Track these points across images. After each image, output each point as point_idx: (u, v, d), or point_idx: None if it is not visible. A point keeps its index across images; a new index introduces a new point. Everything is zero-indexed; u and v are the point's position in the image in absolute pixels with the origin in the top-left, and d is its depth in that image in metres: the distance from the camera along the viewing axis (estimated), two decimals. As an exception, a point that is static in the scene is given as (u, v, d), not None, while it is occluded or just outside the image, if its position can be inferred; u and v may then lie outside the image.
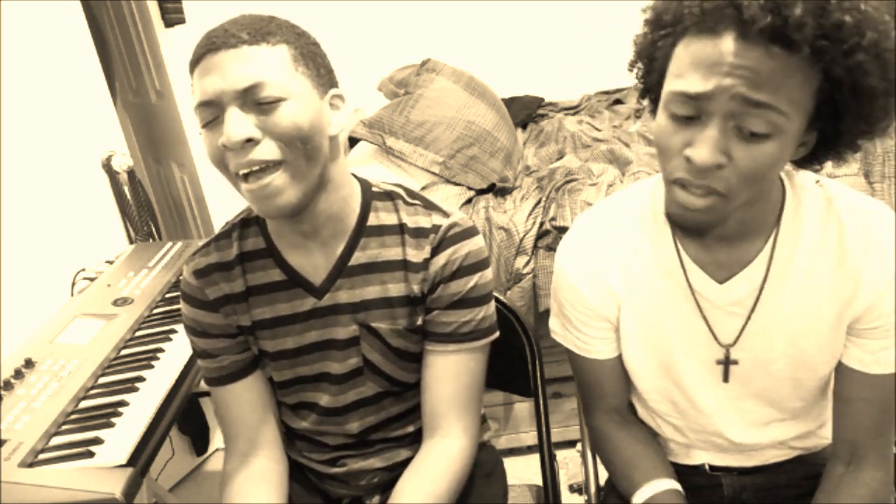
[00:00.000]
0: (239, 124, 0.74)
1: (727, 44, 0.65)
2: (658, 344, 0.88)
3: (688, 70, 0.68)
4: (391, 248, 0.88)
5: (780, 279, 0.81)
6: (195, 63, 0.76)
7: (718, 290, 0.83)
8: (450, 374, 0.90)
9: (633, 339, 0.90)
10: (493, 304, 0.92)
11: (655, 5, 0.75)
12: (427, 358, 0.91)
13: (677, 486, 0.90)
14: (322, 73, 0.81)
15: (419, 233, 0.87)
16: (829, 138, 0.72)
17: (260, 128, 0.75)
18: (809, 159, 0.76)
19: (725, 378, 0.87)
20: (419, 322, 0.89)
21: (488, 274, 0.90)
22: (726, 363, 0.86)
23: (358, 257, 0.88)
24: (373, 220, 0.88)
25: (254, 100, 0.74)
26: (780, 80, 0.64)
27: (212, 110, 0.75)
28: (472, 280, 0.87)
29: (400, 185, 0.93)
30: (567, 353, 0.97)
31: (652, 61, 0.76)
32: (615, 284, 0.88)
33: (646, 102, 0.82)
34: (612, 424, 0.97)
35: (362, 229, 0.88)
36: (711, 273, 0.83)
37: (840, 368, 0.85)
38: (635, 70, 0.80)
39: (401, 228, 0.88)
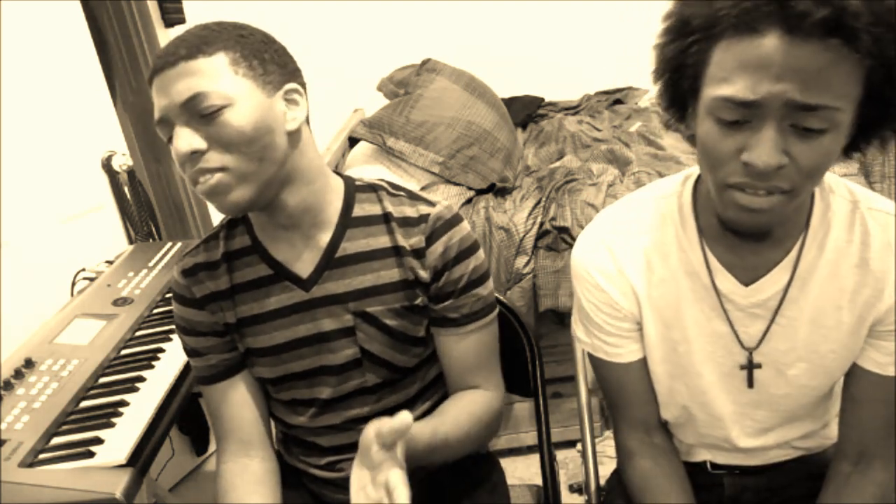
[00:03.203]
0: (184, 138, 0.77)
1: (774, 43, 0.61)
2: (677, 346, 0.86)
3: (733, 74, 0.64)
4: (379, 236, 0.90)
5: (805, 281, 0.80)
6: (150, 85, 0.80)
7: (744, 292, 0.81)
8: (469, 352, 0.95)
9: (653, 340, 0.88)
10: (491, 279, 0.97)
11: (678, 10, 0.70)
12: (445, 344, 0.95)
13: None
14: (271, 71, 0.81)
15: (407, 222, 0.90)
16: (871, 123, 0.70)
17: (205, 138, 0.78)
18: (850, 147, 0.73)
19: (750, 383, 0.85)
20: (418, 301, 0.91)
21: (481, 253, 0.94)
22: (750, 367, 0.85)
23: (345, 248, 0.89)
24: (357, 211, 0.90)
25: (197, 112, 0.77)
26: (832, 76, 0.62)
27: (167, 128, 0.80)
28: (471, 262, 0.91)
29: (383, 180, 0.95)
30: (592, 361, 0.94)
31: (682, 69, 0.71)
32: (636, 282, 0.86)
33: (668, 112, 0.78)
34: (639, 445, 0.93)
35: (348, 220, 0.90)
36: (737, 275, 0.81)
37: (854, 370, 0.84)
38: (661, 81, 0.75)
39: (386, 217, 0.90)
